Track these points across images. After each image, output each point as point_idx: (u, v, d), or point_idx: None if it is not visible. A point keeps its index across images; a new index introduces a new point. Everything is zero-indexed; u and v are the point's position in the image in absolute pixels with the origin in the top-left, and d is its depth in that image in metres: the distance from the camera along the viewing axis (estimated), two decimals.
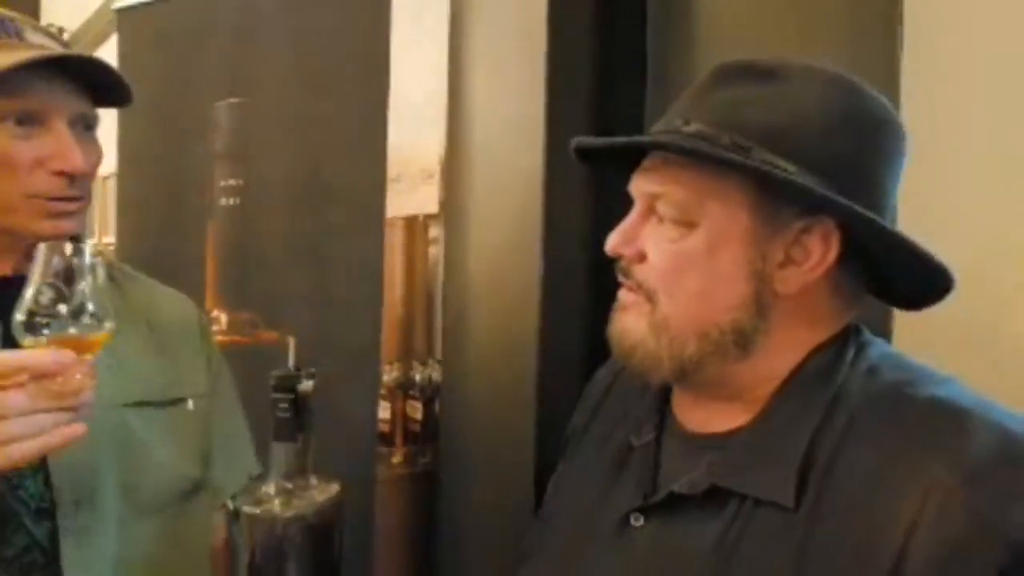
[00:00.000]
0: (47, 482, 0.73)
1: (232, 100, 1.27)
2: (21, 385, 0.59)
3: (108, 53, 1.45)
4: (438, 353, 1.61)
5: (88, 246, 0.68)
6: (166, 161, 1.31)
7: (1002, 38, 0.79)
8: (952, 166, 0.80)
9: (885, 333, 0.81)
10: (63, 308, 0.62)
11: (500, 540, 1.31)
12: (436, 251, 1.62)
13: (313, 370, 0.73)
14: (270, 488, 0.73)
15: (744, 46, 1.09)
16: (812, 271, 0.58)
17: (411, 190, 1.61)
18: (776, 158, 0.56)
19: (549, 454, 1.26)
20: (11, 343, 0.69)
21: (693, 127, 0.59)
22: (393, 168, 1.48)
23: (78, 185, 0.76)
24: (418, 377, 1.61)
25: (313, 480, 0.75)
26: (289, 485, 0.73)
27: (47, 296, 0.62)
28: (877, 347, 0.62)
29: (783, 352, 0.61)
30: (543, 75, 1.22)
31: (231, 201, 1.30)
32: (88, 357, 0.63)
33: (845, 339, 0.61)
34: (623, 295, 0.65)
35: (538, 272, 1.24)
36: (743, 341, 0.59)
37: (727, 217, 0.58)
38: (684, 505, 0.59)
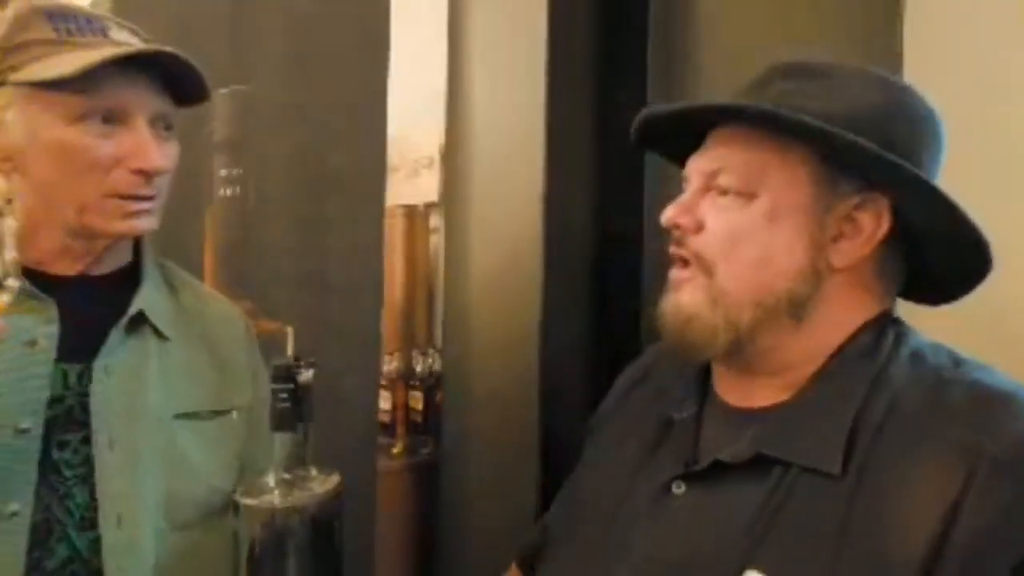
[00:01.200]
0: (92, 493, 0.73)
1: (231, 88, 1.25)
2: None
3: None
4: (439, 343, 1.61)
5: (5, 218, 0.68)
6: None
7: (1003, 35, 0.78)
8: (952, 164, 0.80)
9: None
10: None
11: (501, 529, 1.31)
12: (437, 240, 1.61)
13: (313, 360, 0.73)
14: (269, 479, 0.73)
15: (746, 37, 1.08)
16: (864, 245, 0.60)
17: (411, 179, 1.60)
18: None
19: (551, 443, 1.26)
20: (73, 340, 0.74)
21: (756, 108, 0.61)
22: (393, 156, 1.47)
23: (154, 183, 0.76)
24: (419, 367, 1.61)
25: (313, 471, 0.74)
26: (288, 476, 0.73)
27: None
28: (915, 334, 0.64)
29: (832, 328, 0.62)
30: (543, 64, 1.21)
31: (230, 191, 1.29)
32: None
33: (884, 323, 0.63)
34: (675, 273, 0.66)
35: (540, 261, 1.23)
36: (797, 311, 0.61)
37: (789, 186, 0.60)
38: (727, 474, 0.61)
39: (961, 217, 0.59)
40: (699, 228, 0.63)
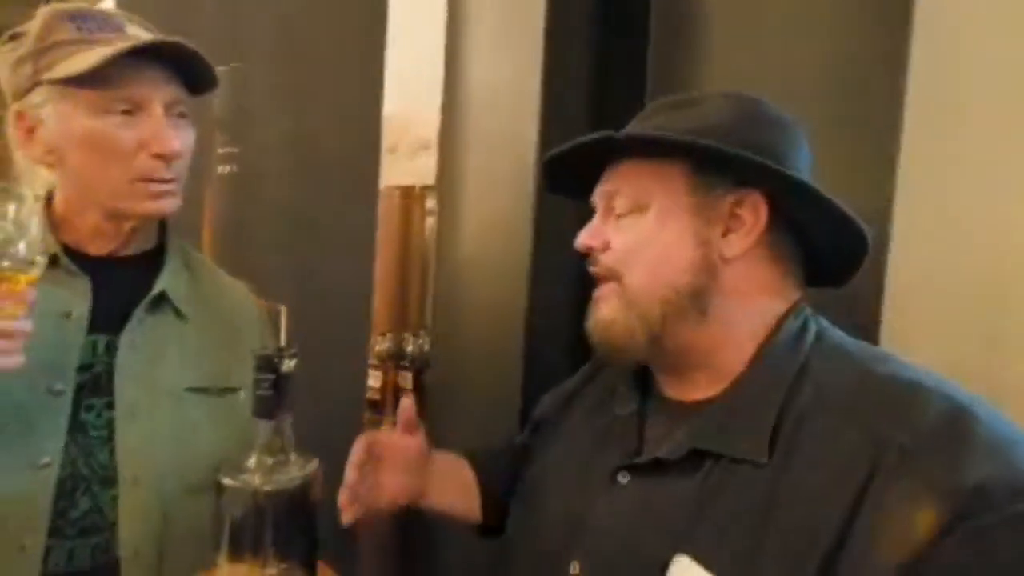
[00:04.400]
0: (113, 453, 0.81)
1: (229, 65, 1.25)
2: None
3: None
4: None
5: (29, 198, 0.73)
6: None
7: (1015, 35, 0.77)
8: (956, 163, 0.80)
9: (874, 331, 0.82)
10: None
11: None
12: (434, 223, 1.61)
13: (295, 350, 0.74)
14: (251, 462, 0.75)
15: (746, 28, 1.07)
16: (748, 236, 0.67)
17: (407, 159, 1.60)
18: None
19: None
20: (103, 314, 0.82)
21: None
22: (390, 137, 1.47)
23: (173, 167, 0.82)
24: (410, 348, 1.63)
25: (293, 456, 0.76)
26: (270, 460, 0.75)
27: None
28: (834, 328, 0.70)
29: (742, 318, 0.69)
30: (540, 47, 1.20)
31: (228, 168, 1.29)
32: (19, 290, 0.70)
33: (803, 316, 0.69)
34: (596, 292, 0.74)
35: (528, 245, 1.24)
36: (699, 302, 0.68)
37: (670, 195, 0.69)
38: (666, 467, 0.67)
39: (825, 201, 0.65)
40: (606, 247, 0.72)
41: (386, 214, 1.62)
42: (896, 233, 0.83)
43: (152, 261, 0.88)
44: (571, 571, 0.69)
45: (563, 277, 1.26)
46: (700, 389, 0.70)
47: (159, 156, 0.80)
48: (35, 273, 0.71)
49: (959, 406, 0.57)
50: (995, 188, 0.78)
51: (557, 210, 1.25)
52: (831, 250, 0.70)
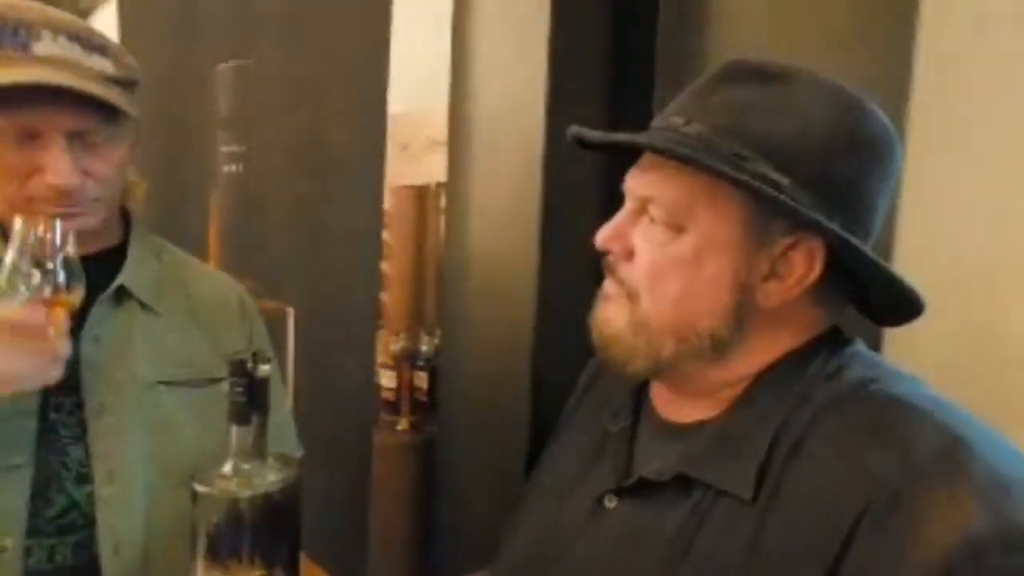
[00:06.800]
0: (87, 451, 0.80)
1: (233, 63, 1.25)
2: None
3: (109, 15, 1.45)
4: None
5: (59, 222, 0.72)
6: (167, 126, 1.30)
7: (1020, 46, 0.72)
8: (958, 173, 0.76)
9: (875, 341, 0.78)
10: (37, 275, 0.70)
11: (494, 506, 1.31)
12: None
13: (269, 355, 0.73)
14: (227, 468, 0.74)
15: (756, 21, 1.02)
16: (795, 287, 0.59)
17: (420, 158, 1.58)
18: (772, 171, 0.56)
19: (543, 423, 1.25)
20: None
21: (694, 128, 0.58)
22: (402, 135, 1.45)
23: (73, 197, 0.77)
24: (424, 347, 1.61)
25: (270, 461, 0.75)
26: (246, 466, 0.74)
27: (25, 264, 0.69)
28: (852, 347, 0.62)
29: (758, 355, 0.62)
30: (546, 44, 1.17)
31: (234, 168, 1.29)
32: (59, 315, 0.71)
33: (821, 340, 0.62)
34: (606, 286, 0.66)
35: (537, 244, 1.22)
36: (719, 347, 0.60)
37: (716, 225, 0.58)
38: (653, 490, 0.61)
39: (888, 274, 0.57)
40: (629, 255, 0.62)
41: (400, 213, 1.61)
42: (902, 222, 0.78)
43: (116, 257, 0.87)
44: None
45: (572, 272, 1.22)
46: (695, 411, 0.65)
47: (52, 187, 0.76)
48: (77, 295, 0.72)
49: (956, 439, 0.51)
50: (1001, 185, 0.73)
51: (566, 206, 1.22)
52: (880, 303, 0.62)
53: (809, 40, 0.91)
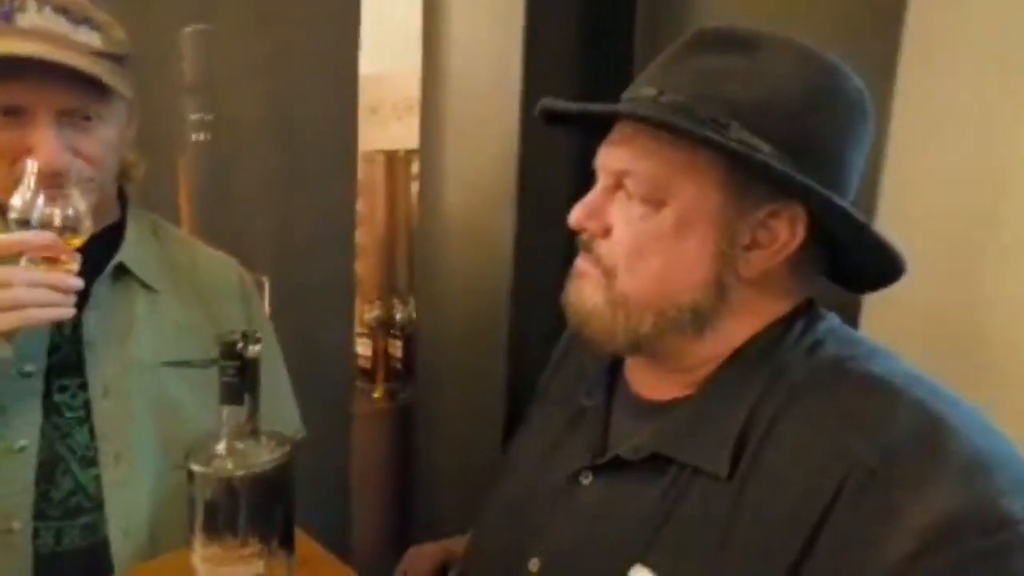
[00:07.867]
0: (92, 433, 0.79)
1: (194, 27, 1.20)
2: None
3: None
4: None
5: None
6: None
7: (1005, 36, 0.73)
8: (939, 160, 0.77)
9: (852, 319, 0.79)
10: (46, 208, 0.71)
11: (471, 471, 1.33)
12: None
13: (259, 335, 0.72)
14: (221, 448, 0.74)
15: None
16: (777, 255, 0.57)
17: (390, 122, 1.56)
18: (751, 136, 0.54)
19: (519, 390, 1.27)
20: None
21: (667, 98, 0.56)
22: (370, 99, 1.41)
23: (61, 179, 0.74)
24: (399, 315, 1.61)
25: (263, 440, 0.75)
26: (240, 445, 0.74)
27: (39, 203, 0.71)
28: (827, 322, 0.61)
29: (738, 328, 0.61)
30: (522, 4, 1.15)
31: (202, 136, 1.25)
32: (71, 245, 0.72)
33: (795, 314, 0.61)
34: (580, 262, 0.63)
35: (514, 210, 1.21)
36: (700, 321, 0.59)
37: (698, 196, 0.56)
38: (628, 468, 0.61)
39: (874, 235, 0.56)
40: (606, 232, 0.60)
41: (371, 179, 1.58)
42: (885, 189, 0.79)
43: (114, 235, 0.85)
44: (531, 568, 0.65)
45: (548, 239, 1.23)
46: (671, 389, 0.64)
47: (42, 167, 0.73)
48: (77, 242, 0.73)
49: (934, 418, 0.51)
50: (978, 184, 0.75)
51: (543, 171, 1.21)
52: (861, 267, 0.61)
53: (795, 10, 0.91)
